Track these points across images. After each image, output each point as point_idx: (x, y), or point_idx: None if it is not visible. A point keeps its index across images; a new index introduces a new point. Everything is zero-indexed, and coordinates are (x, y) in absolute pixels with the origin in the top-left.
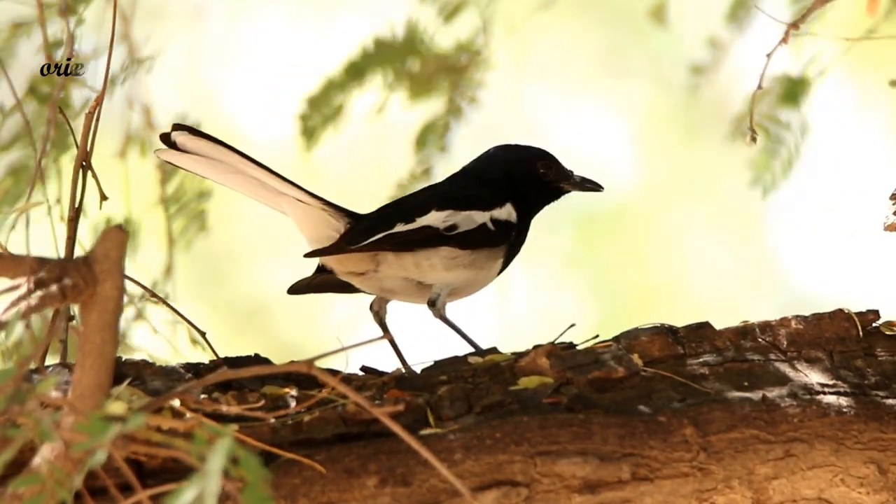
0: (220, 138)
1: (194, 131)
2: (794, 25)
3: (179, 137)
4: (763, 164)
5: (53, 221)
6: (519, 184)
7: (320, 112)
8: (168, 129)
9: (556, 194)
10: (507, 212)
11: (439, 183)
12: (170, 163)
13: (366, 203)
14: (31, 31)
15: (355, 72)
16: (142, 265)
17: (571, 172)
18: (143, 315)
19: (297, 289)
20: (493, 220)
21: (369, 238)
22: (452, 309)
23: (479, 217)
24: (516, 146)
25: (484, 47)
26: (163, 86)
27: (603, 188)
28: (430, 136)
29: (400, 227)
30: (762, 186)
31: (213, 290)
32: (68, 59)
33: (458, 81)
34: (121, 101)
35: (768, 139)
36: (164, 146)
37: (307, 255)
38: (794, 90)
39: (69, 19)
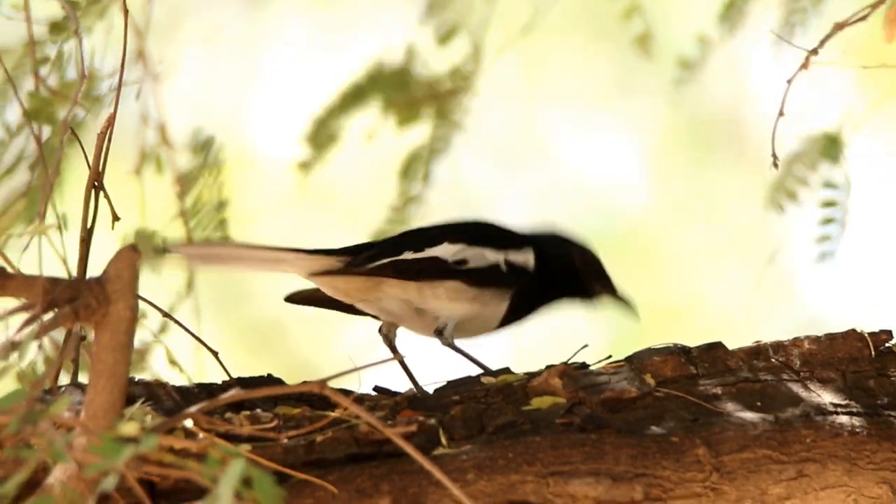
0: (210, 240)
1: (190, 243)
2: (814, 52)
3: (182, 251)
4: (823, 234)
5: (65, 242)
6: (559, 265)
7: (318, 139)
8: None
9: (583, 296)
10: (525, 257)
11: (463, 219)
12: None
13: (375, 219)
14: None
15: (356, 96)
16: (163, 283)
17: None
18: (158, 336)
19: (296, 299)
20: (508, 262)
21: (376, 262)
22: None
23: (492, 256)
24: (579, 246)
25: (472, 73)
26: (178, 105)
27: (636, 312)
28: (416, 165)
29: (408, 255)
30: (823, 253)
31: (228, 310)
32: (83, 78)
33: (444, 107)
34: (135, 118)
35: (819, 204)
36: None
37: (312, 274)
38: (833, 148)
39: (81, 38)
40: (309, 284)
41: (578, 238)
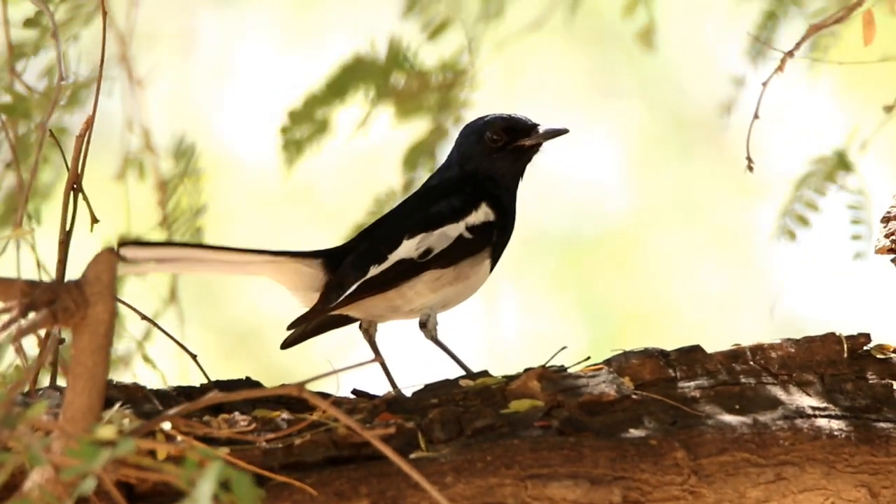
0: (166, 241)
1: (140, 243)
2: (790, 54)
3: (129, 253)
4: (856, 237)
5: (37, 245)
6: (480, 164)
7: (302, 127)
8: (117, 244)
9: (518, 156)
10: (483, 213)
11: (410, 198)
12: (134, 272)
13: (354, 220)
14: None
15: (337, 87)
16: (143, 288)
17: (534, 126)
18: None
19: (293, 341)
20: (470, 228)
21: (345, 292)
22: (444, 330)
23: (453, 231)
24: (466, 126)
25: (469, 66)
26: (155, 108)
27: (567, 130)
28: (419, 157)
29: (374, 271)
30: (858, 253)
31: (205, 313)
32: (61, 81)
33: (444, 100)
34: (119, 124)
35: (850, 221)
36: (122, 260)
37: (290, 328)
38: (841, 167)
39: (59, 41)
40: (290, 306)
41: (467, 125)
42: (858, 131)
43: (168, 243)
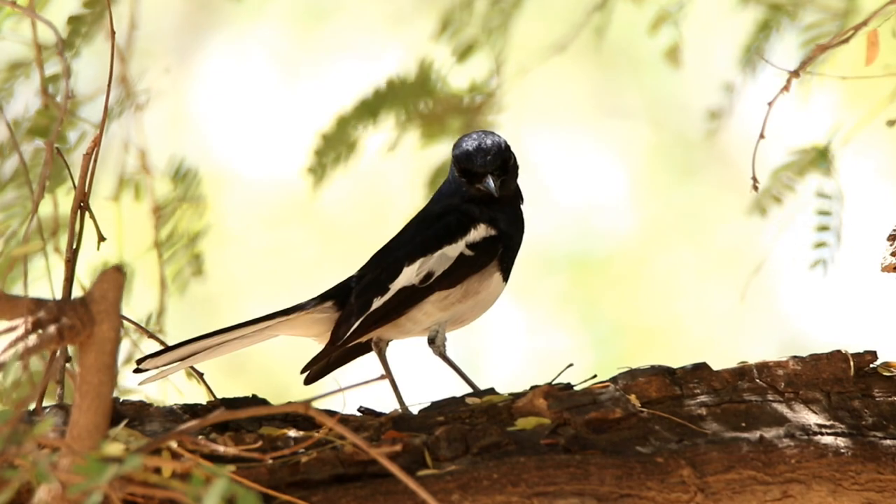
0: (179, 342)
1: (155, 354)
2: (796, 73)
3: (150, 366)
4: (818, 241)
5: (50, 262)
6: (468, 191)
7: (331, 150)
8: (135, 365)
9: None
10: (483, 229)
11: (409, 223)
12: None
13: (369, 244)
14: (30, 71)
15: (369, 110)
16: (134, 307)
17: (484, 173)
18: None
19: (314, 376)
20: (470, 245)
21: (351, 327)
22: (451, 347)
23: (453, 251)
24: (453, 147)
25: (497, 89)
26: (155, 128)
27: (496, 195)
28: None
29: (377, 303)
30: (817, 260)
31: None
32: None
33: (470, 122)
34: (116, 143)
35: (814, 212)
36: (142, 373)
37: (304, 370)
38: (822, 159)
39: (65, 56)
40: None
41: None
42: (840, 128)
43: (181, 343)
